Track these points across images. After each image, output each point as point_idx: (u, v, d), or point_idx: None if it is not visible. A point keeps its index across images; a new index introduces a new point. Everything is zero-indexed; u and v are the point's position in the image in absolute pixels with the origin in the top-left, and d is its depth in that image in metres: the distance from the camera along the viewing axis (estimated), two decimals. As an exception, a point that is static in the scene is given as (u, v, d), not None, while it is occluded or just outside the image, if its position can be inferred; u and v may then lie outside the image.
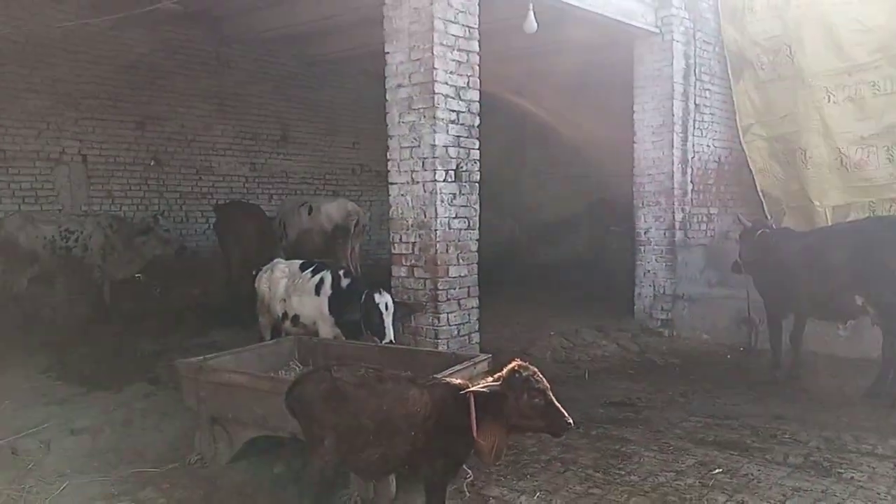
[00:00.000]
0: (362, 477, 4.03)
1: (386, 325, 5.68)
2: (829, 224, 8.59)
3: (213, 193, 11.92)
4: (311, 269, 6.16)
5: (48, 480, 4.58)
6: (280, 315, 6.21)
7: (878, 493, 4.34)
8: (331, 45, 11.68)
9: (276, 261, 6.67)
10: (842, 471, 4.69)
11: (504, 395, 3.46)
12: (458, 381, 3.76)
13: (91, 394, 6.31)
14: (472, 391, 3.53)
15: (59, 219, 9.40)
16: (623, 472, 4.74)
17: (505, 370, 3.59)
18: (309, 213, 9.56)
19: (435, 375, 3.95)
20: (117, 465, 4.86)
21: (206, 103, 11.86)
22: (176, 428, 5.43)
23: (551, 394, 3.53)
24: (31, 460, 4.89)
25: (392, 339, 5.69)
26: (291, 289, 6.12)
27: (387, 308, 5.70)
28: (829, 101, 8.94)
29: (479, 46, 6.80)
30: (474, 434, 3.49)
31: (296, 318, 6.09)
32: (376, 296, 5.73)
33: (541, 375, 3.55)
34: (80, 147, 10.55)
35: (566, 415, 3.49)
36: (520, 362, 3.59)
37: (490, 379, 3.63)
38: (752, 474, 4.66)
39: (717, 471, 4.72)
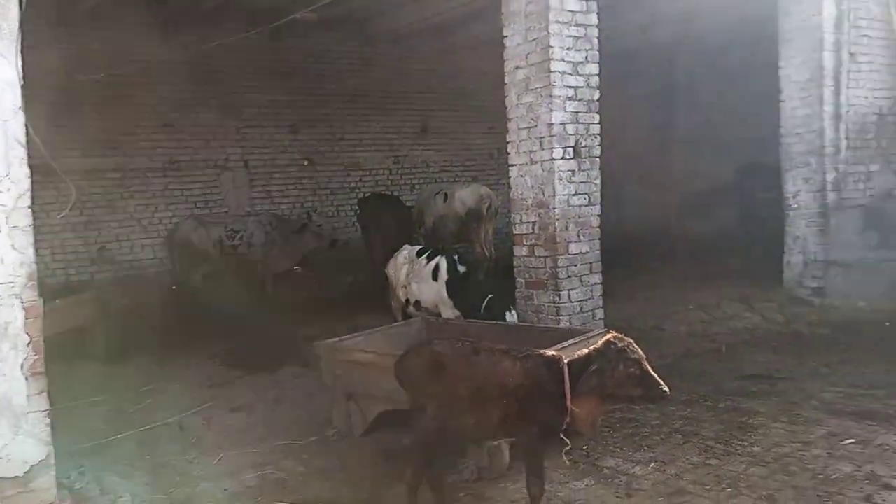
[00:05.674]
0: (463, 442, 4.26)
1: None
2: None
3: (360, 188, 12.66)
4: (426, 254, 6.44)
5: (207, 453, 5.20)
6: (404, 300, 6.55)
7: None
8: (473, 29, 11.64)
9: (403, 247, 7.04)
10: None
11: (600, 366, 3.56)
12: (552, 352, 3.87)
13: (250, 376, 7.05)
14: (566, 361, 3.67)
15: (226, 220, 10.48)
16: (745, 444, 4.62)
17: (600, 341, 3.69)
18: (444, 200, 9.90)
19: (534, 348, 4.07)
20: (266, 439, 5.40)
21: (353, 103, 12.54)
22: (319, 405, 5.94)
23: (647, 363, 3.59)
24: (195, 435, 5.57)
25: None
26: (411, 275, 6.44)
27: None
28: None
29: (598, 19, 6.74)
30: (568, 403, 3.62)
31: (418, 303, 6.40)
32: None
33: (636, 346, 3.61)
34: (242, 153, 11.64)
35: (662, 383, 3.56)
36: (615, 333, 3.68)
37: (586, 350, 3.74)
38: (887, 444, 4.38)
39: (848, 441, 4.48)
